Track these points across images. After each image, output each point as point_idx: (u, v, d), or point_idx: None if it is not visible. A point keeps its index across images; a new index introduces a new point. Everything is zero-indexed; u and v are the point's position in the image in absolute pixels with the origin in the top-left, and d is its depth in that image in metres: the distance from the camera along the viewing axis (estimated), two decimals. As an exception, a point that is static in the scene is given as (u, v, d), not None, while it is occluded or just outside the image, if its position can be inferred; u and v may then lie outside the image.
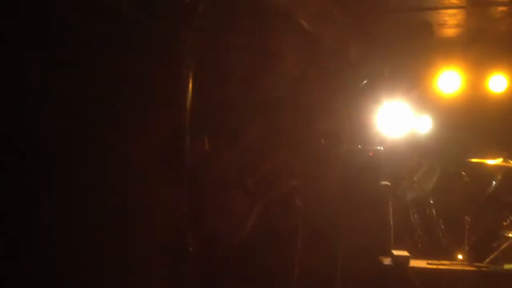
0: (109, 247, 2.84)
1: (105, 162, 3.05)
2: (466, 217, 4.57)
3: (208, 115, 2.64)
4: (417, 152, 5.55)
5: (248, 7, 2.63)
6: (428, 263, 4.04)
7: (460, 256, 4.52)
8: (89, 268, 2.66)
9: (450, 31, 5.15)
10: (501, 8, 4.58)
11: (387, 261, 3.99)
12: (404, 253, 4.03)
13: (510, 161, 4.54)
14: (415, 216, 5.33)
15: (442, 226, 5.12)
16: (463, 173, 4.96)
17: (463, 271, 3.93)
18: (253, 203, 2.55)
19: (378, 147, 4.89)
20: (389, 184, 4.88)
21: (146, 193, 3.27)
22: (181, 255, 1.93)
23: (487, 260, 4.36)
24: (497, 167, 4.59)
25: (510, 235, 4.41)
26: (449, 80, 5.45)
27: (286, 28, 2.60)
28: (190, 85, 1.95)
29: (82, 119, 2.63)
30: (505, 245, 4.38)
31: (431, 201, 5.26)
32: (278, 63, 2.61)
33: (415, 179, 5.43)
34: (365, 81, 5.40)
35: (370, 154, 4.86)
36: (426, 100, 5.54)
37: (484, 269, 3.95)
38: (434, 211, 5.23)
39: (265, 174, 2.58)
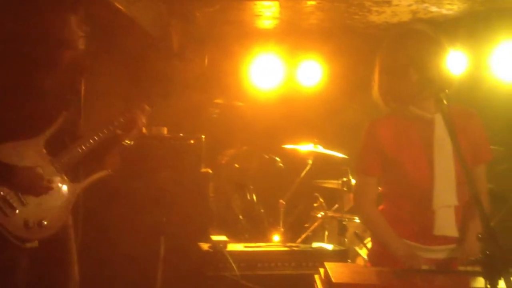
0: None
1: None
2: (281, 201, 4.80)
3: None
4: (238, 140, 5.71)
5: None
6: (245, 246, 4.16)
7: (276, 238, 4.75)
8: None
9: (266, 23, 5.35)
10: (310, 3, 4.85)
11: (206, 246, 4.02)
12: (223, 238, 4.10)
13: (320, 146, 4.86)
14: (237, 201, 5.49)
15: (262, 210, 5.34)
16: (278, 159, 5.21)
17: (276, 251, 4.11)
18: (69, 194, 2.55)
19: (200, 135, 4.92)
20: (210, 171, 4.94)
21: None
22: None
23: (299, 240, 4.66)
24: (308, 152, 4.88)
25: (319, 215, 4.74)
26: (266, 70, 5.68)
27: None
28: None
29: None
30: (315, 225, 4.71)
31: (251, 187, 5.46)
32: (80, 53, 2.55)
33: (236, 165, 5.58)
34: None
35: (192, 142, 4.89)
36: (243, 89, 5.72)
37: (295, 248, 4.17)
38: (254, 196, 5.44)
39: (76, 163, 2.57)
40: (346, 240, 4.37)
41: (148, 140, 4.78)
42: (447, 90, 2.12)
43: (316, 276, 2.30)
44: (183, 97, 5.14)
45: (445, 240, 2.41)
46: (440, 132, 2.32)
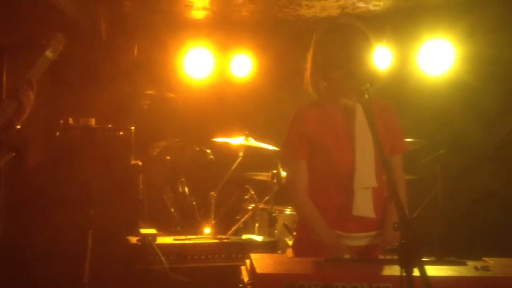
0: None
1: None
2: (212, 193, 4.79)
3: None
4: (170, 131, 5.66)
5: None
6: (175, 239, 4.13)
7: (207, 230, 4.74)
8: None
9: (197, 13, 5.29)
10: (241, -5, 4.85)
11: (134, 240, 3.97)
12: (152, 231, 4.05)
13: (251, 139, 4.88)
14: (168, 194, 5.44)
15: (194, 203, 5.32)
16: (208, 151, 5.20)
17: (206, 244, 4.10)
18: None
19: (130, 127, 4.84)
20: (140, 163, 4.87)
21: None
22: None
23: (230, 232, 4.67)
24: (239, 145, 4.89)
25: (250, 207, 4.76)
26: (197, 61, 5.63)
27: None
28: None
29: None
30: (246, 217, 4.74)
31: (183, 179, 5.42)
32: None
33: (168, 157, 5.53)
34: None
35: (121, 133, 4.80)
36: (175, 80, 5.65)
37: (225, 240, 4.18)
38: (186, 188, 5.40)
39: None
40: (276, 231, 4.42)
41: (75, 131, 4.66)
42: (368, 84, 2.18)
43: (243, 267, 2.32)
44: (111, 87, 5.05)
45: (365, 227, 2.50)
46: (361, 118, 2.42)
